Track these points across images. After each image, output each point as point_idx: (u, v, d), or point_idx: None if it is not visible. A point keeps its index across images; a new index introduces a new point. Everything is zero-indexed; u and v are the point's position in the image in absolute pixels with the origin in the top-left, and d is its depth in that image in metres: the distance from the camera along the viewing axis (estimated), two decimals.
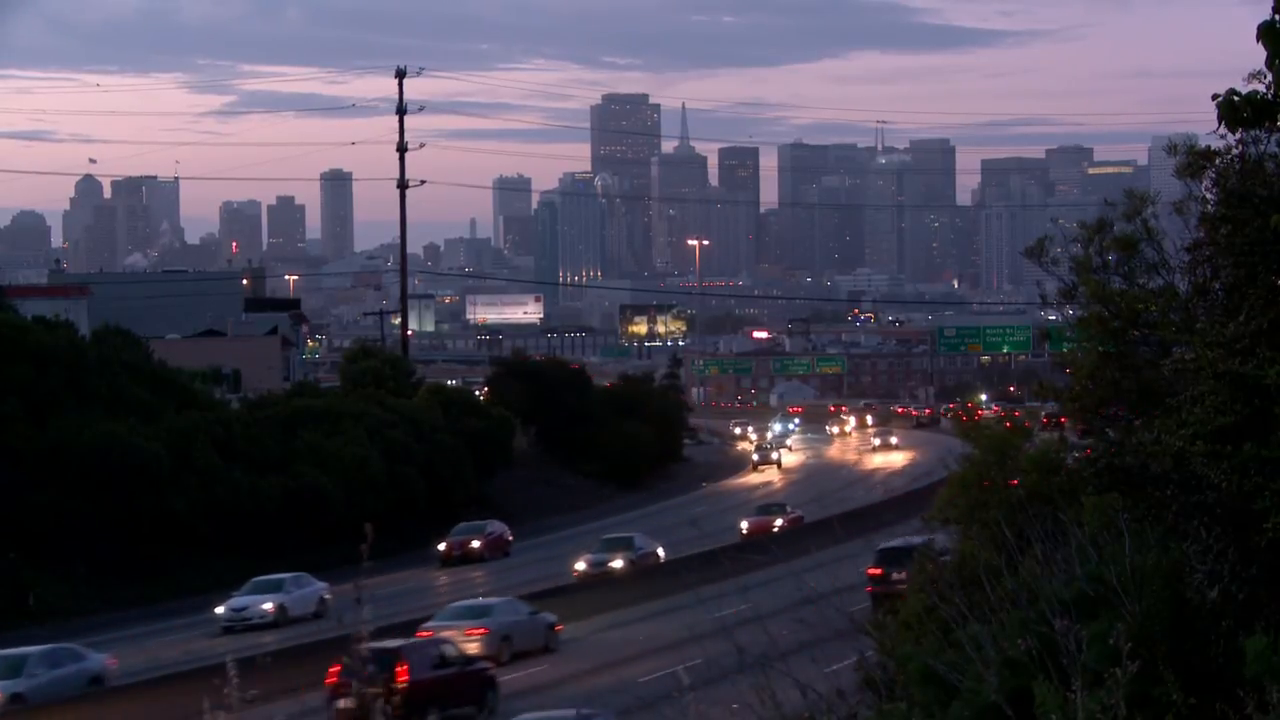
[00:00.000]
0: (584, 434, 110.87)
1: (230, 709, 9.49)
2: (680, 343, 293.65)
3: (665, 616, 55.41)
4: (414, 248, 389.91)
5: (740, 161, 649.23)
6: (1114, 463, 18.86)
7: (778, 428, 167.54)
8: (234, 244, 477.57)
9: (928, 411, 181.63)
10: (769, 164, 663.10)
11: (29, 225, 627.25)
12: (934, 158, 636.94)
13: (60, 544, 68.65)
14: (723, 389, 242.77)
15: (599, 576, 65.36)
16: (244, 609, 60.08)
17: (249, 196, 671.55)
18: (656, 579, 60.56)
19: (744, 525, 79.13)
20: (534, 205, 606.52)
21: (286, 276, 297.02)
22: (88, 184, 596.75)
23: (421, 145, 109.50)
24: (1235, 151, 15.33)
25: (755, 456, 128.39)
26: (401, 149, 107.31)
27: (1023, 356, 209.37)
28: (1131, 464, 17.81)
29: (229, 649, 48.41)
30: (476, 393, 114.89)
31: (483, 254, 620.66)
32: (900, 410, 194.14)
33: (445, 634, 44.27)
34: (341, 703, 17.22)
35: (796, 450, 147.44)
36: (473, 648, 44.14)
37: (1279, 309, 14.03)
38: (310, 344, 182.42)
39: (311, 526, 76.25)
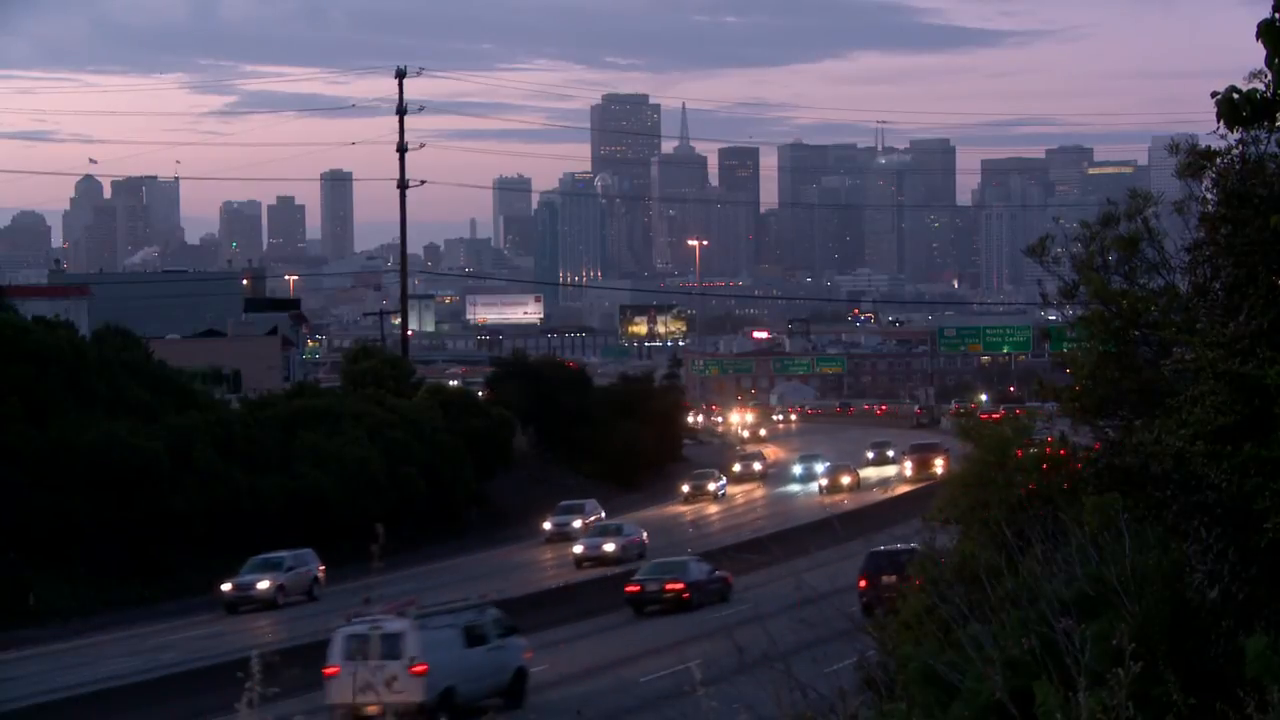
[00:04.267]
0: (584, 434, 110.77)
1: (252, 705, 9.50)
2: (680, 343, 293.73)
3: (664, 617, 55.47)
4: (414, 248, 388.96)
5: (740, 161, 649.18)
6: (1114, 463, 18.87)
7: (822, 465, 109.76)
8: (234, 244, 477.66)
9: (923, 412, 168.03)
10: (769, 164, 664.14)
11: (29, 225, 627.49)
12: (934, 158, 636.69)
13: (60, 544, 68.57)
14: (722, 389, 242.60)
15: None
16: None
17: (249, 196, 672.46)
18: None
19: None
20: (534, 205, 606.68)
21: (286, 276, 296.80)
22: (88, 184, 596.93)
23: (421, 145, 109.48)
24: (1235, 151, 15.33)
25: None
26: (401, 149, 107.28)
27: (1023, 356, 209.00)
28: (1131, 464, 17.83)
29: (227, 648, 48.41)
30: (477, 392, 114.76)
31: (483, 254, 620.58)
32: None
33: None
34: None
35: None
36: None
37: (1279, 309, 14.03)
38: (310, 344, 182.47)
39: (311, 526, 76.13)
